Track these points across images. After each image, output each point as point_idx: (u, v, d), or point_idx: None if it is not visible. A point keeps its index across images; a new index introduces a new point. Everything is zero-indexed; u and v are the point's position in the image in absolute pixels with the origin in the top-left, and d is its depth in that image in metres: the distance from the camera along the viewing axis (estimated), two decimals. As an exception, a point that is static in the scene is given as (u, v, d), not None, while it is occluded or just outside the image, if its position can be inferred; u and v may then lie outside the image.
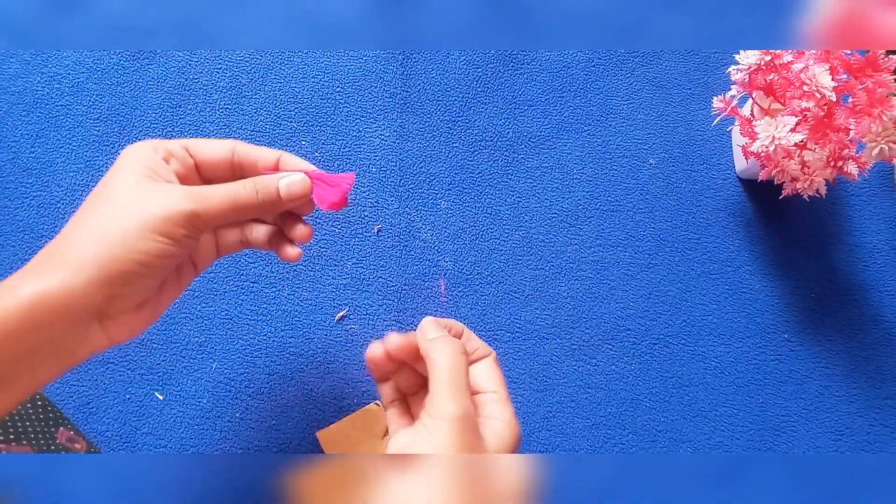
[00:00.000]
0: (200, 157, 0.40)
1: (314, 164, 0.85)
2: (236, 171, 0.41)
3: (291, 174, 0.40)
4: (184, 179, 0.39)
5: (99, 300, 0.33)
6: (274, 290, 0.76)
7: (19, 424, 0.45)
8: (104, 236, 0.34)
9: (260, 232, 0.45)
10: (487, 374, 0.41)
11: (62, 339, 0.32)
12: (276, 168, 0.41)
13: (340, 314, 0.75)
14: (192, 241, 0.36)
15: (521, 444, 0.37)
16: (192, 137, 0.40)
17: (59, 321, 0.32)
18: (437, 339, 0.39)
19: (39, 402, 0.48)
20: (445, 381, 0.37)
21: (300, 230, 0.45)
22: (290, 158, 0.42)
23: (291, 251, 0.45)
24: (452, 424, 0.35)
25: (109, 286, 0.33)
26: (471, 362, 0.41)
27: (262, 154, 0.41)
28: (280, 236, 0.45)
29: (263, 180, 0.39)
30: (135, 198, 0.35)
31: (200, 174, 0.40)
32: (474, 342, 0.42)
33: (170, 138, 0.81)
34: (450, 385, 0.37)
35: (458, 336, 0.42)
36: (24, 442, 0.44)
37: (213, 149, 0.40)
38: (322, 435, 0.69)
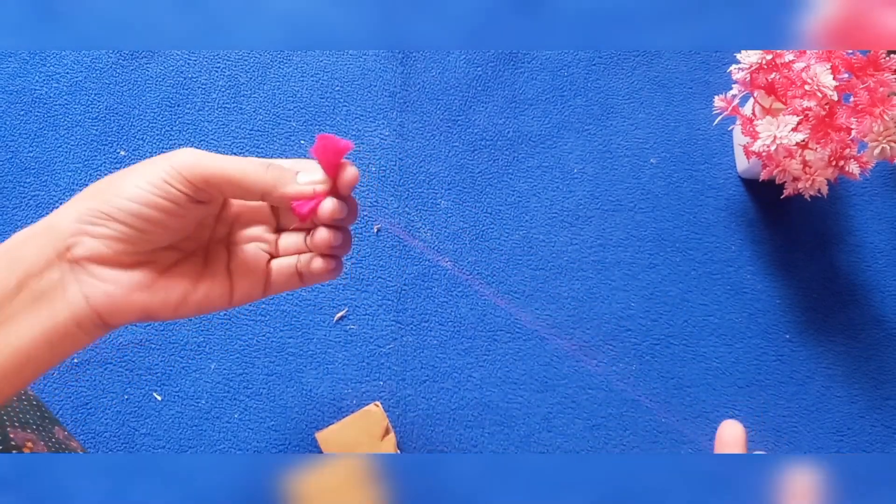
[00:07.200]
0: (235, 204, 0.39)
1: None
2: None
3: (313, 170, 0.37)
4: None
5: (71, 230, 0.32)
6: (273, 290, 0.75)
7: (21, 416, 0.45)
8: (104, 184, 0.34)
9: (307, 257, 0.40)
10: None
11: (36, 278, 0.32)
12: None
13: (340, 314, 0.75)
14: (189, 202, 0.34)
15: None
16: (200, 145, 0.38)
17: (30, 252, 0.32)
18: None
19: (35, 402, 0.48)
20: None
21: (322, 236, 0.37)
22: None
23: (316, 264, 0.38)
24: None
25: (79, 222, 0.32)
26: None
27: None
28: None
29: (279, 162, 0.37)
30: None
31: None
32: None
33: (169, 137, 0.82)
34: None
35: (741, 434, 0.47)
36: (28, 431, 0.44)
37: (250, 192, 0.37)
38: (322, 435, 0.68)
